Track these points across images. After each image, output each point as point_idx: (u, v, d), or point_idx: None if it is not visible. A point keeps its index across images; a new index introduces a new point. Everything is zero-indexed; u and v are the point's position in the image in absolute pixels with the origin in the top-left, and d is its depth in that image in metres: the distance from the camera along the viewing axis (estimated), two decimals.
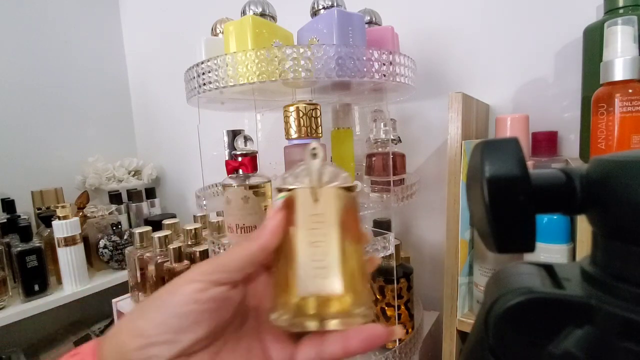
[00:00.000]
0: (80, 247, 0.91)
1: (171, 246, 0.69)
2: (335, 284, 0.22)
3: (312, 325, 0.22)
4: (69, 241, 0.88)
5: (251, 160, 0.52)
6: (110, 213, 1.06)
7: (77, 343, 1.11)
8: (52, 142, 1.20)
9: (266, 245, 0.23)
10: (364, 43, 0.49)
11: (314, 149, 0.27)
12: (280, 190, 0.26)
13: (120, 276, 1.00)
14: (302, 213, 0.24)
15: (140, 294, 0.79)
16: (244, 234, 0.50)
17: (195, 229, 0.76)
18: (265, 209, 0.52)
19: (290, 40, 0.53)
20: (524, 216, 0.16)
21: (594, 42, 0.47)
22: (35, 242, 0.87)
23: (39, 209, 1.06)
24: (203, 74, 0.47)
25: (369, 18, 0.60)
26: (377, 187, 0.58)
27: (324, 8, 0.53)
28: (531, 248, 0.16)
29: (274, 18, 0.55)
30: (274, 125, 0.82)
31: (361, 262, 0.25)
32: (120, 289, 0.92)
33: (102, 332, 1.14)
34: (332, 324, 0.22)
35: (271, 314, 0.23)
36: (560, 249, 0.43)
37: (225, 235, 0.56)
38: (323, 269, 0.22)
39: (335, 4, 0.53)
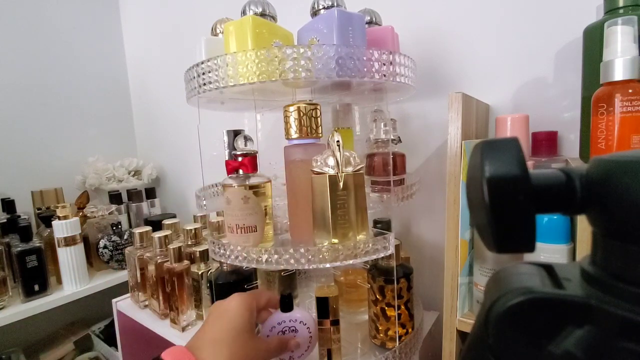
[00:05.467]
0: (80, 247, 0.91)
1: (171, 246, 0.69)
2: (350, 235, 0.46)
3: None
4: (69, 241, 0.88)
5: (251, 160, 0.52)
6: (110, 213, 1.06)
7: (77, 343, 1.11)
8: (52, 142, 1.20)
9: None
10: (364, 43, 0.49)
11: (338, 141, 0.45)
12: (316, 173, 0.46)
13: (120, 276, 1.00)
14: (332, 190, 0.44)
15: (140, 294, 0.79)
16: (244, 234, 0.50)
17: (195, 229, 0.76)
18: (266, 209, 0.52)
19: (290, 40, 0.53)
20: (524, 216, 0.16)
21: (594, 42, 0.47)
22: (35, 242, 0.87)
23: (39, 209, 1.06)
24: (203, 74, 0.47)
25: (369, 18, 0.60)
26: (377, 187, 0.58)
27: (324, 8, 0.53)
28: (531, 248, 0.16)
29: (274, 18, 0.55)
30: (274, 125, 0.82)
31: (364, 212, 0.47)
32: (120, 289, 0.92)
33: (102, 332, 1.14)
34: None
35: (315, 240, 0.46)
36: (560, 249, 0.43)
37: (225, 235, 0.56)
38: (345, 226, 0.46)
39: (335, 4, 0.53)
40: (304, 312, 0.52)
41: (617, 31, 0.38)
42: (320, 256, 0.45)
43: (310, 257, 0.45)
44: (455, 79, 0.69)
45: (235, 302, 0.38)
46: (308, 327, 0.51)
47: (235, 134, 0.65)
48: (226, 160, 0.52)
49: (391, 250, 0.49)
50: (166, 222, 0.84)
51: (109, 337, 1.10)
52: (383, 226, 0.56)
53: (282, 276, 0.64)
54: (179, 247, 0.69)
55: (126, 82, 1.40)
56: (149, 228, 0.81)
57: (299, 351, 0.51)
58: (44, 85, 1.18)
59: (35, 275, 0.86)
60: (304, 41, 0.51)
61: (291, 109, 0.49)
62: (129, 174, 1.25)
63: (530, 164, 0.51)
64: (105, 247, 0.99)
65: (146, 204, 1.18)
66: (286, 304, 0.51)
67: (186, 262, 0.70)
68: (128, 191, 1.18)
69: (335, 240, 0.46)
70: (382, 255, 0.48)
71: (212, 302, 0.58)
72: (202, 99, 0.54)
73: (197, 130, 0.56)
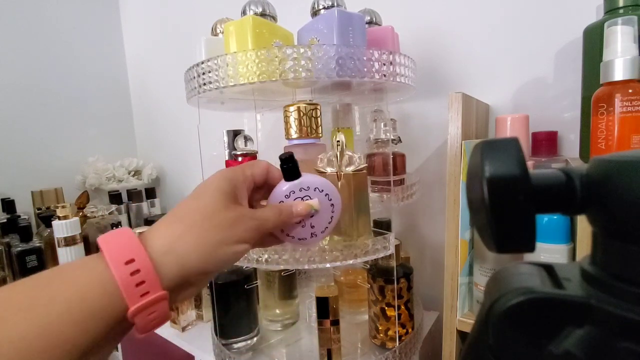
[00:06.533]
0: (80, 247, 0.91)
1: None
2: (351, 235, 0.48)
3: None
4: (69, 241, 0.88)
5: (251, 160, 0.52)
6: (110, 213, 1.06)
7: None
8: (52, 142, 1.20)
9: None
10: (364, 43, 0.49)
11: (338, 141, 0.45)
12: (319, 172, 0.46)
13: None
14: None
15: None
16: None
17: None
18: None
19: (290, 40, 0.53)
20: (524, 216, 0.16)
21: (594, 42, 0.47)
22: (35, 242, 0.87)
23: (39, 209, 1.06)
24: (203, 74, 0.47)
25: (369, 18, 0.60)
26: (377, 187, 0.58)
27: (324, 8, 0.53)
28: (531, 248, 0.16)
29: (274, 18, 0.55)
30: (274, 125, 0.82)
31: (366, 212, 0.49)
32: None
33: None
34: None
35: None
36: (560, 249, 0.43)
37: None
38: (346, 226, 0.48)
39: (335, 4, 0.53)
40: (317, 177, 0.38)
41: (617, 31, 0.38)
42: (320, 256, 0.45)
43: (310, 257, 0.45)
44: (455, 79, 0.69)
45: (212, 177, 0.30)
46: (327, 194, 0.37)
47: (235, 134, 0.65)
48: (226, 160, 0.52)
49: (391, 250, 0.49)
50: None
51: None
52: (383, 226, 0.56)
53: (282, 276, 0.64)
54: None
55: (126, 82, 1.40)
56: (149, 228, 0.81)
57: (319, 222, 0.37)
58: (44, 85, 1.18)
59: None
60: (304, 41, 0.51)
61: (291, 109, 0.49)
62: (129, 174, 1.25)
63: (530, 164, 0.51)
64: None
65: (146, 204, 1.18)
66: (290, 171, 0.37)
67: None
68: (128, 191, 1.18)
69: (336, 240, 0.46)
70: (382, 255, 0.48)
71: (212, 302, 0.58)
72: (202, 99, 0.54)
73: (197, 130, 0.56)
